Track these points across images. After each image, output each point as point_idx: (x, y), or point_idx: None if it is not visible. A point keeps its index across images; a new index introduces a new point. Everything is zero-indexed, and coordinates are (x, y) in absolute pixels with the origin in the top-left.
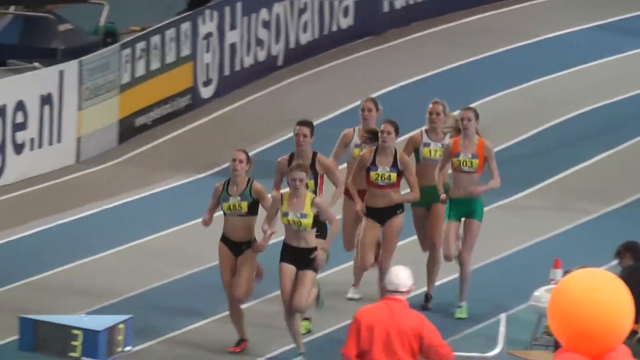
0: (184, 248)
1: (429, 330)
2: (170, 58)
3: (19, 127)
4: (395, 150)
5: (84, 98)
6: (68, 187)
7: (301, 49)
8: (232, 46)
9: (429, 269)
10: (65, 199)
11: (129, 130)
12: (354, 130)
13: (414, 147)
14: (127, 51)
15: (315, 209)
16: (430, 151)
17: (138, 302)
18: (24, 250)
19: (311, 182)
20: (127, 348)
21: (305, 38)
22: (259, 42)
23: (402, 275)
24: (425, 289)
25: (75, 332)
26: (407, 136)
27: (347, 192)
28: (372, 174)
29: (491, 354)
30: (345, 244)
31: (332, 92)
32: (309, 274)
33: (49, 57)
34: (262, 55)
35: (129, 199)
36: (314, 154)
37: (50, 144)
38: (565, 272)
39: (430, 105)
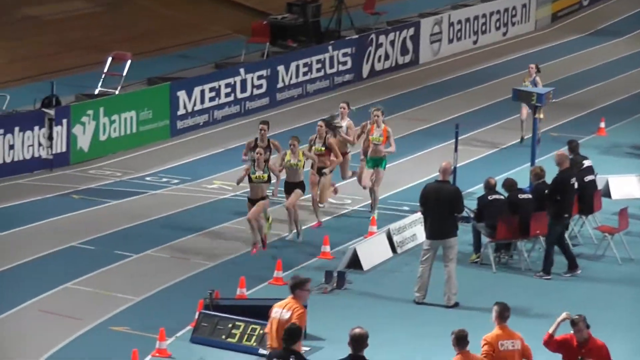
0: None
1: None
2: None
3: (491, 21)
4: (325, 136)
5: (538, 4)
6: (524, 41)
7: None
8: None
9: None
10: (520, 45)
11: (554, 18)
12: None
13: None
14: None
15: (305, 157)
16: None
17: None
18: None
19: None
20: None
21: None
22: None
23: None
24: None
25: (534, 94)
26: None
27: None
28: (314, 147)
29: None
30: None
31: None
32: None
33: None
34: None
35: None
36: (269, 139)
37: (518, 24)
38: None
39: (372, 109)
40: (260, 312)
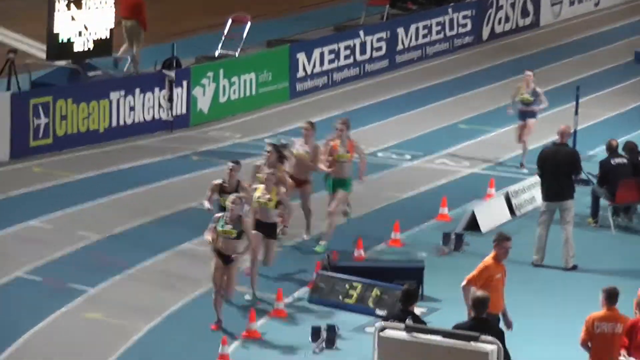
0: None
1: None
2: None
3: None
4: (238, 181)
5: None
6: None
7: None
8: None
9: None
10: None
11: None
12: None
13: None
14: None
15: (278, 197)
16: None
17: None
18: None
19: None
20: None
21: None
22: None
23: None
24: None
25: None
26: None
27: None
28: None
29: None
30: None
31: None
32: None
33: None
34: None
35: None
36: (238, 180)
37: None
38: None
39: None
40: (377, 273)
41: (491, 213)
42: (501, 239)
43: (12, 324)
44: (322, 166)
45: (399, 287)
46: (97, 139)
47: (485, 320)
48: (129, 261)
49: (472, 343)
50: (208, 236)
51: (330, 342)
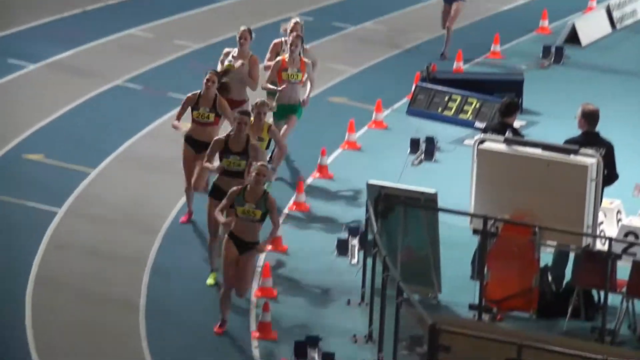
0: None
1: None
2: None
3: None
4: (216, 95)
5: None
6: None
7: None
8: None
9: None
10: None
11: None
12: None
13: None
14: None
15: (270, 134)
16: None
17: None
18: None
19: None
20: None
21: None
22: None
23: None
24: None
25: None
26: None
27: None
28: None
29: None
30: None
31: None
32: None
33: None
34: None
35: None
36: (247, 135)
37: None
38: None
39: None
40: (477, 85)
41: (592, 26)
42: None
43: (112, 132)
44: (269, 85)
45: (498, 99)
46: None
47: (596, 134)
48: None
49: (572, 156)
50: (222, 219)
51: (429, 154)
